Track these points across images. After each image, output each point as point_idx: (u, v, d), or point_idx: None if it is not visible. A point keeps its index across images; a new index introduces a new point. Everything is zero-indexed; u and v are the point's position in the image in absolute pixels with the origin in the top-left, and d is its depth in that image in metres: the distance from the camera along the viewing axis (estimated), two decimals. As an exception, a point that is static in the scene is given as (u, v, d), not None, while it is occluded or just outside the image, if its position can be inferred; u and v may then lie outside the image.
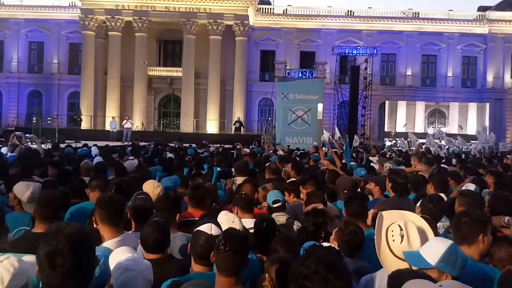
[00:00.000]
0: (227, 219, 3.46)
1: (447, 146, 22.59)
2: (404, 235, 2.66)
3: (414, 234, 2.67)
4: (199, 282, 2.49)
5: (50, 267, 1.80)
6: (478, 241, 2.95)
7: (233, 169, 7.91)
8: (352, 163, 10.15)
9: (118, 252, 2.63)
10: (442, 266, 2.42)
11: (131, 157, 10.06)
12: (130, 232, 3.75)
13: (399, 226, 2.70)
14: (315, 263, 1.90)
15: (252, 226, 3.88)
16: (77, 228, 1.94)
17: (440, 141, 23.67)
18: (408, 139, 25.29)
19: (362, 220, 4.03)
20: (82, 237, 1.91)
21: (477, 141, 23.56)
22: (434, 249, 2.47)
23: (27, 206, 4.01)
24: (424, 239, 2.69)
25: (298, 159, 11.02)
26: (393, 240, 2.70)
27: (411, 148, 22.04)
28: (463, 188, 6.30)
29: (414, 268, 2.50)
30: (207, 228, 2.95)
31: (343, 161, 10.37)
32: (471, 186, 5.61)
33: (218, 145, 19.68)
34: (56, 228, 1.89)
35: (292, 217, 4.57)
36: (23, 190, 4.12)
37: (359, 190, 6.21)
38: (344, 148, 12.90)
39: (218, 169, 6.95)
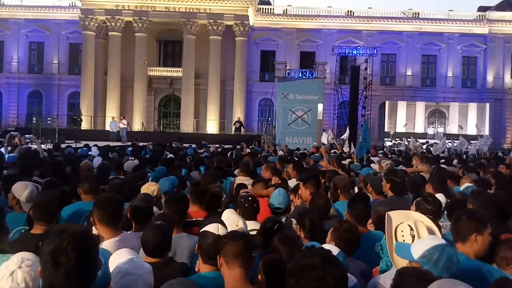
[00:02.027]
0: (231, 222, 3.42)
1: (449, 147, 22.61)
2: (415, 235, 2.70)
3: (425, 234, 2.71)
4: (184, 282, 2.48)
5: (53, 266, 1.79)
6: (471, 240, 2.95)
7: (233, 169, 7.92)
8: (355, 163, 10.16)
9: (118, 255, 2.61)
10: (423, 262, 2.46)
11: (131, 158, 10.09)
12: (129, 232, 3.75)
13: (409, 226, 2.74)
14: (310, 256, 2.00)
15: (254, 228, 3.88)
16: (82, 228, 1.95)
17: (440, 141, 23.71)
18: (409, 140, 25.31)
19: (364, 222, 4.04)
20: (87, 237, 1.91)
21: (476, 141, 23.60)
22: (421, 245, 2.53)
23: (26, 206, 4.01)
24: None
25: (297, 159, 11.00)
26: (404, 240, 2.73)
27: (411, 148, 22.04)
28: (462, 187, 6.32)
29: (415, 264, 2.52)
30: (214, 228, 2.96)
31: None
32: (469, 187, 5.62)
33: (217, 145, 19.68)
34: (61, 228, 1.89)
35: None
36: (21, 190, 4.13)
37: (356, 190, 6.22)
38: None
39: (231, 179, 6.90)
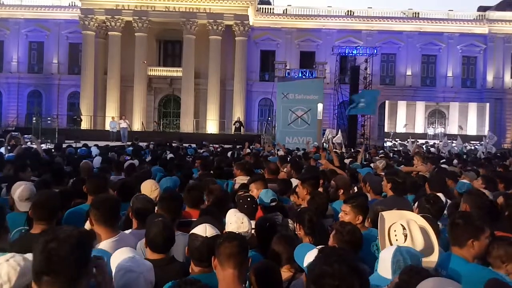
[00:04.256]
0: (236, 219, 3.45)
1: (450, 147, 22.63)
2: (407, 234, 2.70)
3: (417, 233, 2.71)
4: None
5: (43, 251, 1.78)
6: (468, 246, 2.93)
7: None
8: (355, 163, 10.18)
9: (119, 253, 2.62)
10: (398, 273, 2.43)
11: (127, 157, 10.06)
12: (127, 231, 3.76)
13: (402, 225, 2.74)
14: (336, 263, 1.89)
15: (254, 227, 3.87)
16: (84, 230, 2.01)
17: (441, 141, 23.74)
18: (409, 139, 25.32)
19: (365, 217, 4.04)
20: (85, 236, 1.92)
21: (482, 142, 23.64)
22: (385, 264, 2.50)
23: (20, 205, 3.98)
24: (426, 237, 2.72)
25: (297, 159, 11.00)
26: (396, 240, 2.73)
27: (409, 148, 22.05)
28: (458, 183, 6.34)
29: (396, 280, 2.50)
30: (202, 230, 2.92)
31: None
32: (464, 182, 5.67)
33: (217, 146, 19.68)
34: (65, 226, 1.93)
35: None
36: (15, 188, 4.11)
37: (356, 190, 6.23)
38: None
39: (232, 182, 6.86)
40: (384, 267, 2.50)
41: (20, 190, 4.05)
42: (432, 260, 2.71)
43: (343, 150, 17.40)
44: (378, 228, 2.87)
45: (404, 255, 2.45)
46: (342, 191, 5.42)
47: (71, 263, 1.80)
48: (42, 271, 1.78)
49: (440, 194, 4.89)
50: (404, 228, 2.72)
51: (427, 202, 4.10)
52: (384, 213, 2.89)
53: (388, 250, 2.55)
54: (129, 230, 3.83)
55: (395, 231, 2.74)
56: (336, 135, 21.90)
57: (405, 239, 2.70)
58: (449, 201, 4.97)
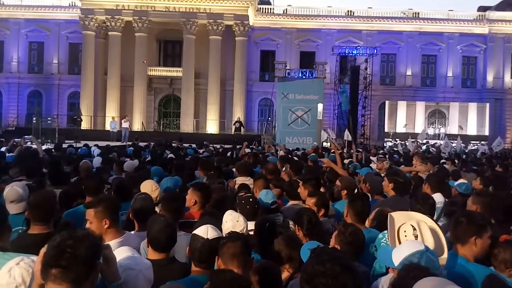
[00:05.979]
0: (232, 218, 3.47)
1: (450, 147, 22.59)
2: (418, 235, 2.70)
3: (428, 233, 2.71)
4: (174, 286, 2.48)
5: (57, 246, 1.81)
6: (470, 243, 2.93)
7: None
8: (354, 163, 10.17)
9: (119, 252, 2.63)
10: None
11: (127, 158, 10.03)
12: (132, 232, 3.75)
13: (412, 226, 2.74)
14: (329, 262, 1.90)
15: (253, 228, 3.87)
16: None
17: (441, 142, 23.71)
18: (409, 140, 25.29)
19: (363, 220, 4.03)
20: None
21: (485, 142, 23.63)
22: (402, 251, 2.51)
23: (8, 207, 3.94)
24: (436, 238, 2.72)
25: (296, 159, 10.99)
26: (406, 240, 2.72)
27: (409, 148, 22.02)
28: (456, 183, 6.33)
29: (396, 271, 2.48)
30: (203, 231, 2.92)
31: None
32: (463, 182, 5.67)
33: (218, 146, 19.68)
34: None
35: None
36: (4, 190, 4.06)
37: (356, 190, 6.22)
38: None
39: None
40: (399, 255, 2.49)
41: (5, 192, 3.96)
42: (441, 262, 2.71)
43: (346, 150, 17.36)
44: (388, 229, 2.86)
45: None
46: (346, 191, 5.42)
47: (82, 261, 1.83)
48: (52, 264, 1.79)
49: (438, 194, 4.89)
50: (414, 229, 2.72)
51: (417, 203, 4.10)
52: (393, 213, 2.89)
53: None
54: (132, 232, 3.82)
55: (405, 231, 2.74)
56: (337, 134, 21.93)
57: (416, 240, 2.69)
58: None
